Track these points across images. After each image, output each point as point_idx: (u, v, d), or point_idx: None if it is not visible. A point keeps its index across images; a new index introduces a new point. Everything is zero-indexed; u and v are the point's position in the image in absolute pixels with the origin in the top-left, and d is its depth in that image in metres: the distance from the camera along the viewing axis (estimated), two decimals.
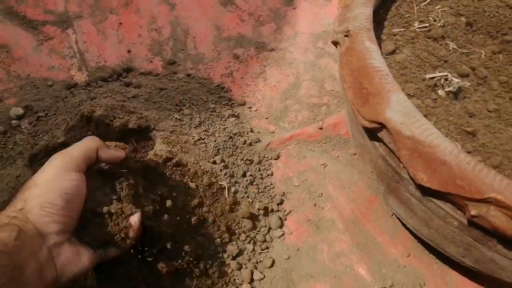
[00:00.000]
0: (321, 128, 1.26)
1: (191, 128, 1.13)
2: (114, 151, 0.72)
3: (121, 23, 1.50)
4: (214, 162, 1.06)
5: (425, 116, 0.81)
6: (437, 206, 0.75)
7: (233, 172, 1.09)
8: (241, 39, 1.50)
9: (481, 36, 0.96)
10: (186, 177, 0.95)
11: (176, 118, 1.11)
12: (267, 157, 1.20)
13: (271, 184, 1.15)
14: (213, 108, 1.24)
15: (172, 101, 1.17)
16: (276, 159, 1.21)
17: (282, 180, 1.16)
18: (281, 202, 1.11)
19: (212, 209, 0.96)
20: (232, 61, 1.43)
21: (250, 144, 1.21)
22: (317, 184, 1.15)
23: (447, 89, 0.83)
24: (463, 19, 0.98)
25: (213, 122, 1.20)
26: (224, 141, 1.16)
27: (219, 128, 1.19)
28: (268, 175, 1.16)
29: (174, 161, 0.94)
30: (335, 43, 0.89)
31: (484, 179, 0.66)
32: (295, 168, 1.18)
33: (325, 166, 1.19)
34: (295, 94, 1.36)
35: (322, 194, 1.13)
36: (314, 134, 1.26)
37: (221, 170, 1.05)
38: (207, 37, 1.50)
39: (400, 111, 0.73)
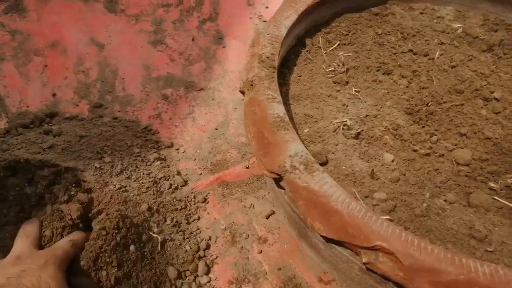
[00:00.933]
0: (248, 168, 1.27)
1: (112, 177, 1.11)
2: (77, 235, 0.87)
3: (46, 65, 1.47)
4: (137, 212, 1.04)
5: (325, 162, 0.84)
6: (339, 252, 0.77)
7: (158, 220, 1.07)
8: (170, 79, 1.51)
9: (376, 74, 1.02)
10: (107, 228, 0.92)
11: (95, 167, 1.09)
12: (194, 200, 1.19)
13: (198, 228, 1.14)
14: (138, 152, 1.23)
15: (93, 148, 1.15)
16: (203, 202, 1.20)
17: (209, 223, 1.16)
18: (208, 247, 1.10)
19: (138, 265, 0.93)
20: (161, 102, 1.43)
21: (176, 188, 1.20)
22: (244, 226, 1.16)
23: (347, 132, 0.87)
24: (364, 62, 1.04)
25: (137, 167, 1.18)
26: (147, 187, 1.14)
27: (143, 173, 1.17)
28: (195, 219, 1.15)
29: (94, 211, 0.93)
30: (242, 93, 0.91)
31: (372, 227, 0.69)
32: (222, 210, 1.18)
33: (252, 207, 1.20)
34: (224, 133, 1.37)
35: (248, 235, 1.13)
36: (241, 174, 1.26)
37: (145, 219, 1.04)
38: (136, 78, 1.49)
39: (297, 161, 0.75)
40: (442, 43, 1.09)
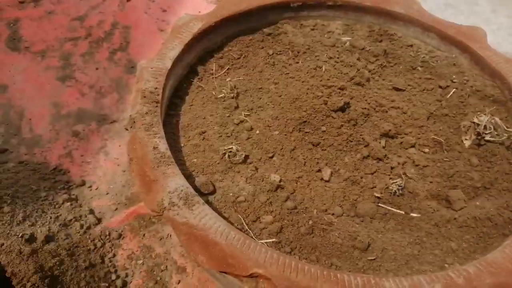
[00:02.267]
0: None
1: (12, 227, 1.06)
2: None
3: None
4: (47, 259, 1.01)
5: (212, 191, 0.85)
6: (233, 279, 0.78)
7: (70, 264, 1.04)
8: (81, 114, 1.47)
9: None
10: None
11: None
12: (108, 238, 1.17)
13: (114, 266, 1.11)
14: (45, 196, 1.19)
15: None
16: (118, 238, 1.18)
17: (126, 259, 1.13)
18: (124, 285, 1.08)
19: None
20: (71, 139, 1.40)
21: (89, 228, 1.17)
22: (162, 257, 1.14)
23: (234, 159, 0.89)
24: (254, 84, 1.07)
25: (44, 212, 1.14)
26: (57, 232, 1.11)
27: (50, 218, 1.13)
28: (110, 258, 1.13)
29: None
30: (127, 130, 0.91)
31: (250, 255, 0.70)
32: (139, 243, 1.16)
33: (169, 237, 1.19)
34: None
35: (167, 266, 1.12)
36: None
37: (54, 266, 1.00)
38: (44, 117, 1.45)
39: (176, 197, 0.76)
40: (331, 58, 1.14)
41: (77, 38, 1.70)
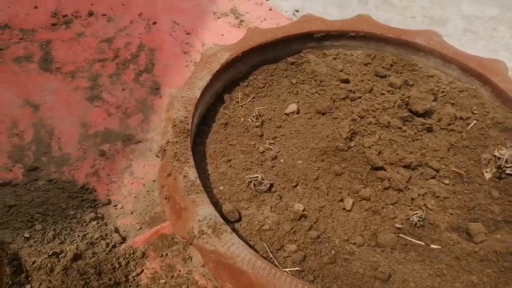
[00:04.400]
0: None
1: (43, 244, 1.11)
2: None
3: None
4: (74, 278, 1.05)
5: (238, 219, 0.89)
6: None
7: (95, 282, 1.08)
8: (108, 134, 1.53)
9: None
10: None
11: (25, 237, 1.09)
12: (133, 256, 1.21)
13: (138, 285, 1.15)
14: (73, 214, 1.24)
15: (23, 217, 1.15)
16: (141, 257, 1.21)
17: (150, 278, 1.17)
18: None
19: None
20: (98, 158, 1.45)
21: (114, 247, 1.21)
22: (183, 278, 1.17)
23: (259, 187, 0.92)
24: (278, 113, 1.10)
25: (72, 230, 1.19)
26: (85, 250, 1.15)
27: (78, 236, 1.18)
28: (134, 277, 1.16)
29: None
30: (158, 157, 0.95)
31: (276, 284, 0.73)
32: (162, 263, 1.20)
33: (190, 258, 1.22)
34: None
35: (188, 286, 1.15)
36: None
37: (82, 284, 1.04)
38: (73, 136, 1.51)
39: (205, 225, 0.79)
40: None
41: (105, 60, 1.77)
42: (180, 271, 1.19)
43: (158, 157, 0.92)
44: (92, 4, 2.03)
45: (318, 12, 2.12)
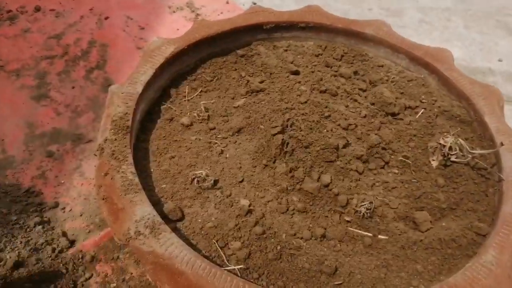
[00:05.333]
0: None
1: None
2: None
3: None
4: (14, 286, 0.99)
5: (181, 218, 0.85)
6: None
7: None
8: (56, 134, 1.46)
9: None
10: None
11: None
12: (81, 261, 1.16)
13: None
14: (16, 219, 1.17)
15: None
16: (91, 261, 1.16)
17: (100, 282, 1.12)
18: None
19: None
20: (45, 160, 1.39)
21: (61, 251, 1.16)
22: (137, 280, 1.13)
23: (203, 184, 0.89)
24: (224, 108, 1.08)
25: (14, 237, 1.13)
26: (27, 257, 1.09)
27: (20, 242, 1.12)
28: (82, 282, 1.12)
29: None
30: (96, 155, 0.90)
31: (215, 283, 0.70)
32: (113, 266, 1.15)
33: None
34: None
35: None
36: None
37: None
38: (17, 138, 1.43)
39: (142, 225, 0.76)
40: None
41: (53, 57, 1.70)
42: (132, 273, 1.15)
43: (96, 156, 0.88)
44: None
45: (276, 5, 2.10)
